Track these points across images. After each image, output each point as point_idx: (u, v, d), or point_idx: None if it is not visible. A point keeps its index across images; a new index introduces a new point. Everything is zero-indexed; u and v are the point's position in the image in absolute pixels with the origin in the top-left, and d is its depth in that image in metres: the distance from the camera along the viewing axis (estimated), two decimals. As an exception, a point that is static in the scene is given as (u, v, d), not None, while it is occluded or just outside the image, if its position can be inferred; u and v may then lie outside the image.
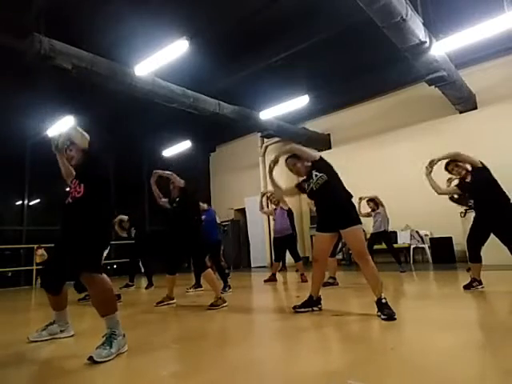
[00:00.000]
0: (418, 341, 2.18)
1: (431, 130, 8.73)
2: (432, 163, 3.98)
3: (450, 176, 4.18)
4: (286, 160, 3.32)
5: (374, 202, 6.38)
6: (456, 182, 4.10)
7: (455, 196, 4.64)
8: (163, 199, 4.46)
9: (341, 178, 3.21)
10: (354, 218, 3.01)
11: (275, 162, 3.34)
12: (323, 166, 3.16)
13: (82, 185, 2.39)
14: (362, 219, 5.08)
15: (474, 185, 3.83)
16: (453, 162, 3.95)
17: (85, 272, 2.22)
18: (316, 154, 3.24)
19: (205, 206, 5.84)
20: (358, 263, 2.96)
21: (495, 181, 3.75)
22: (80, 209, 2.35)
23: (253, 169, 12.05)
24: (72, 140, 2.50)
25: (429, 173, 4.01)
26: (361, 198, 6.28)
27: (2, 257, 9.30)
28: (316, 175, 3.11)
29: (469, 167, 3.90)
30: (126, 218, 6.70)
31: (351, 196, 3.15)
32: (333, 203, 3.07)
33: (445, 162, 4.00)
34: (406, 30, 5.51)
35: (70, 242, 2.33)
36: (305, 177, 3.26)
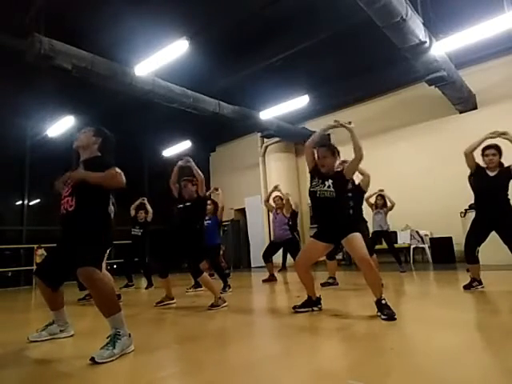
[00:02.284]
0: (418, 341, 2.18)
1: (431, 130, 8.73)
2: (503, 134, 3.70)
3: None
4: (321, 146, 3.18)
5: (383, 202, 6.39)
6: (482, 163, 3.84)
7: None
8: (176, 185, 4.25)
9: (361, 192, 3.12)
10: (351, 227, 2.99)
11: (335, 126, 3.19)
12: (343, 182, 3.08)
13: (74, 198, 2.34)
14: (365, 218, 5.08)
15: (494, 181, 3.73)
16: (494, 149, 3.75)
17: (82, 267, 2.19)
18: (351, 174, 3.15)
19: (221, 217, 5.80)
20: (360, 268, 2.89)
21: (507, 188, 3.71)
22: (73, 222, 2.34)
23: (253, 169, 12.05)
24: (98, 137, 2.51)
25: (489, 137, 3.75)
26: (382, 190, 6.40)
27: (2, 257, 9.29)
28: (329, 186, 3.03)
29: (505, 163, 3.76)
30: (150, 214, 6.51)
31: (357, 215, 3.12)
32: (328, 218, 3.07)
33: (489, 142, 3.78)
34: (405, 29, 5.51)
35: (68, 244, 2.34)
36: (323, 171, 3.12)
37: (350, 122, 3.13)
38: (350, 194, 4.13)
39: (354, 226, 3.03)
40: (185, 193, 4.17)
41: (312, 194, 3.14)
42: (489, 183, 3.76)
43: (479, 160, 3.91)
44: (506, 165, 3.78)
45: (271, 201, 6.56)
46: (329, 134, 10.99)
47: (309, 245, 3.22)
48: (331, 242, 3.11)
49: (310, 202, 3.27)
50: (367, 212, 5.66)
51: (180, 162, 4.21)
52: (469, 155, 3.85)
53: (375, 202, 6.39)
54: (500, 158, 3.79)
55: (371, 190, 6.53)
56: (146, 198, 6.58)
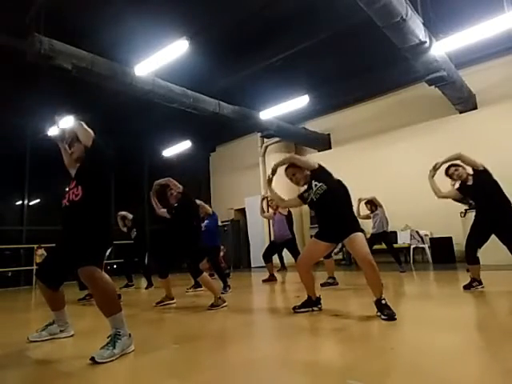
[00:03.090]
0: (418, 341, 2.18)
1: (431, 130, 8.73)
2: (435, 167, 3.99)
3: (452, 181, 4.15)
4: (285, 170, 3.29)
5: (372, 204, 6.37)
6: (457, 185, 4.07)
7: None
8: (162, 209, 4.47)
9: (344, 184, 3.21)
10: (354, 226, 3.00)
11: (273, 172, 3.37)
12: (322, 174, 3.12)
13: (80, 187, 2.36)
14: (361, 220, 5.10)
15: (475, 188, 3.82)
16: (453, 167, 3.94)
17: (83, 266, 2.19)
18: (314, 163, 3.18)
19: (210, 210, 5.71)
20: (362, 267, 2.89)
21: (497, 184, 3.74)
22: (78, 212, 2.34)
23: (253, 169, 12.05)
24: (76, 135, 2.51)
25: (432, 176, 4.02)
26: (360, 200, 6.28)
27: (2, 257, 9.30)
28: (316, 185, 3.07)
29: (470, 170, 3.88)
30: (130, 216, 6.73)
31: (352, 206, 3.17)
32: (332, 214, 3.05)
33: (446, 166, 3.99)
34: (405, 29, 5.51)
35: (69, 242, 2.34)
36: (305, 186, 3.22)
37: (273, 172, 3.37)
38: None
39: (355, 226, 3.04)
40: (172, 201, 4.34)
41: (310, 203, 3.16)
42: (475, 191, 3.85)
43: (445, 185, 4.16)
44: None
45: (266, 208, 6.56)
46: (329, 135, 11.06)
47: (310, 245, 3.23)
48: (333, 242, 3.12)
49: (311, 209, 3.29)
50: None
51: (152, 190, 4.41)
52: (442, 196, 4.09)
53: (368, 208, 6.37)
54: (464, 169, 3.92)
55: (368, 189, 6.54)
56: (120, 212, 6.71)
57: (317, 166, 3.16)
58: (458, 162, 3.93)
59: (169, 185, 4.25)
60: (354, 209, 5.92)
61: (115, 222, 6.52)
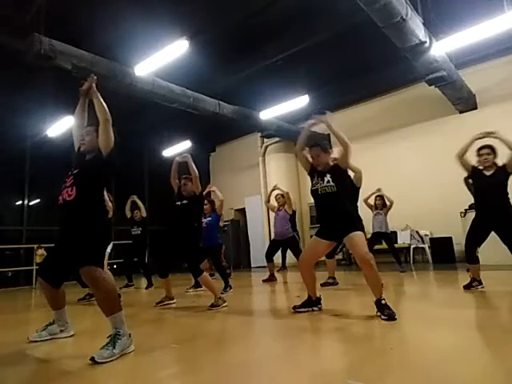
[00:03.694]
0: (418, 341, 2.18)
1: (431, 130, 8.73)
2: (491, 133, 3.80)
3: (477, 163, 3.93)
4: (311, 146, 3.21)
5: (382, 201, 6.36)
6: (482, 167, 3.87)
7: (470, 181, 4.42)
8: (176, 181, 4.26)
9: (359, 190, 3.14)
10: (354, 226, 2.99)
11: (317, 122, 3.30)
12: (341, 177, 3.09)
13: (75, 188, 2.34)
14: (363, 219, 5.09)
15: (489, 180, 3.75)
16: (487, 148, 3.80)
17: (84, 266, 2.20)
18: (347, 165, 3.15)
19: (222, 210, 5.69)
20: (361, 267, 2.88)
21: (506, 186, 3.72)
22: (72, 212, 2.34)
23: (253, 169, 12.05)
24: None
25: (477, 139, 3.87)
26: (379, 190, 6.35)
27: (2, 257, 9.29)
28: (328, 181, 3.04)
29: (500, 162, 3.79)
30: (145, 214, 6.66)
31: (356, 213, 3.14)
32: (331, 215, 3.05)
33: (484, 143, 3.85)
34: (406, 29, 5.51)
35: (68, 243, 2.34)
36: (319, 169, 3.16)
37: (324, 112, 3.29)
38: None
39: (356, 225, 3.04)
40: (184, 190, 4.17)
41: (314, 192, 3.14)
42: (487, 183, 3.78)
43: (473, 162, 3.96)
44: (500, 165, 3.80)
45: (272, 201, 6.57)
46: (329, 135, 11.05)
47: (311, 243, 3.22)
48: (333, 240, 3.11)
49: (313, 202, 3.26)
50: (362, 210, 5.64)
51: (177, 158, 4.22)
52: (461, 158, 3.93)
53: (374, 202, 6.38)
54: (495, 157, 3.81)
55: (368, 190, 6.55)
56: (135, 196, 6.63)
57: (345, 167, 3.13)
58: (494, 146, 3.79)
59: (190, 178, 4.11)
60: (367, 194, 5.95)
61: (114, 221, 6.49)
